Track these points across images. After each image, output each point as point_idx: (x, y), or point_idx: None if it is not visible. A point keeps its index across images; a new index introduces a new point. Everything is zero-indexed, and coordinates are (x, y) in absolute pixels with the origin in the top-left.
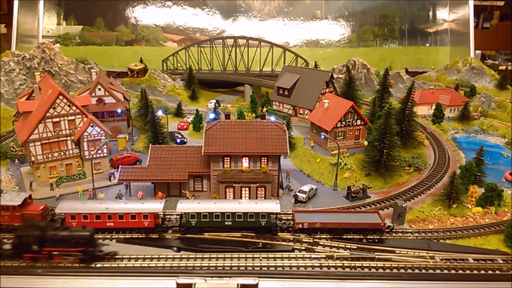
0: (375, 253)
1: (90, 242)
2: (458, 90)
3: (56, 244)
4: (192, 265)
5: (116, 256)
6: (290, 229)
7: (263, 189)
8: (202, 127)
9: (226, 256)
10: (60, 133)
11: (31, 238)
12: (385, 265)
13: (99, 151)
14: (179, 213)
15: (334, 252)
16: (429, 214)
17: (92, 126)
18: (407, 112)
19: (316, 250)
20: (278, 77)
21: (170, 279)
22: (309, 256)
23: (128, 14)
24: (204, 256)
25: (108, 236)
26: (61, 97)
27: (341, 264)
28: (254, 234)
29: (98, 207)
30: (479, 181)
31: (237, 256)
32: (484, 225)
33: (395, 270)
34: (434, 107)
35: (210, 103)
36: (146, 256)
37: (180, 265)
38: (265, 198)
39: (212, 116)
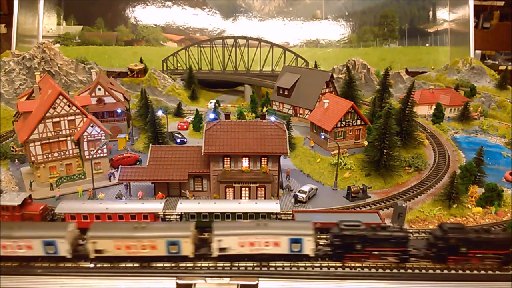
0: None
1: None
2: (458, 90)
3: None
4: (192, 265)
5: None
6: None
7: (263, 189)
8: (202, 127)
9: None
10: (60, 133)
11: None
12: (385, 265)
13: (99, 151)
14: (179, 213)
15: None
16: (429, 214)
17: (92, 126)
18: (407, 112)
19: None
20: (278, 77)
21: (170, 279)
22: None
23: (128, 14)
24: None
25: None
26: (61, 97)
27: (341, 264)
28: None
29: (98, 207)
30: (479, 181)
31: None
32: (484, 225)
33: (395, 270)
34: (434, 107)
35: (210, 103)
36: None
37: (180, 265)
38: (265, 198)
39: (212, 116)
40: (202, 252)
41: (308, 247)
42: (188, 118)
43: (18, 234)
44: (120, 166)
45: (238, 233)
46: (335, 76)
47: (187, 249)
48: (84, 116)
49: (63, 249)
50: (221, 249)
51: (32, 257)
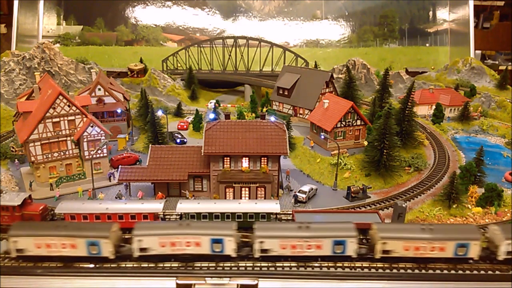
0: None
1: None
2: (458, 90)
3: None
4: (192, 265)
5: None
6: None
7: (263, 189)
8: (202, 127)
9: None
10: (60, 133)
11: None
12: (385, 265)
13: (99, 151)
14: (179, 213)
15: None
16: (429, 214)
17: (92, 126)
18: (407, 112)
19: None
20: (278, 77)
21: (170, 279)
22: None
23: (128, 14)
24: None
25: None
26: (61, 97)
27: (341, 264)
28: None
29: (98, 207)
30: (479, 181)
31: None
32: (484, 225)
33: (395, 270)
34: (434, 107)
35: (210, 103)
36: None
37: (180, 265)
38: (265, 198)
39: (212, 116)
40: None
41: None
42: (188, 118)
43: None
44: (120, 166)
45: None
46: (335, 76)
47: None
48: (84, 116)
49: None
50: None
51: None
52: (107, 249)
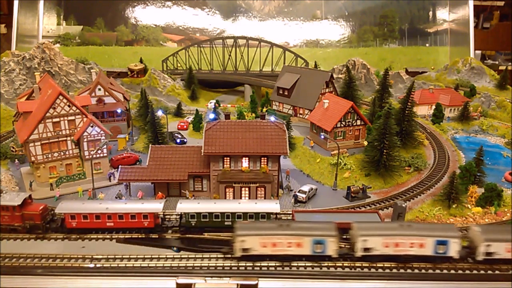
0: None
1: None
2: (458, 90)
3: None
4: (192, 265)
5: (116, 256)
6: None
7: (263, 189)
8: (202, 127)
9: (225, 256)
10: (60, 133)
11: None
12: (385, 265)
13: (99, 151)
14: (179, 213)
15: None
16: (429, 214)
17: (92, 126)
18: (407, 112)
19: None
20: (278, 77)
21: (170, 279)
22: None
23: (128, 14)
24: (204, 256)
25: (108, 236)
26: (61, 97)
27: (341, 264)
28: None
29: (98, 207)
30: (479, 181)
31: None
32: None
33: (395, 270)
34: (434, 107)
35: (210, 103)
36: (146, 256)
37: (180, 265)
38: (265, 198)
39: (212, 116)
40: None
41: None
42: (188, 118)
43: None
44: (120, 166)
45: None
46: (335, 76)
47: None
48: (84, 116)
49: None
50: None
51: None
52: (332, 248)
